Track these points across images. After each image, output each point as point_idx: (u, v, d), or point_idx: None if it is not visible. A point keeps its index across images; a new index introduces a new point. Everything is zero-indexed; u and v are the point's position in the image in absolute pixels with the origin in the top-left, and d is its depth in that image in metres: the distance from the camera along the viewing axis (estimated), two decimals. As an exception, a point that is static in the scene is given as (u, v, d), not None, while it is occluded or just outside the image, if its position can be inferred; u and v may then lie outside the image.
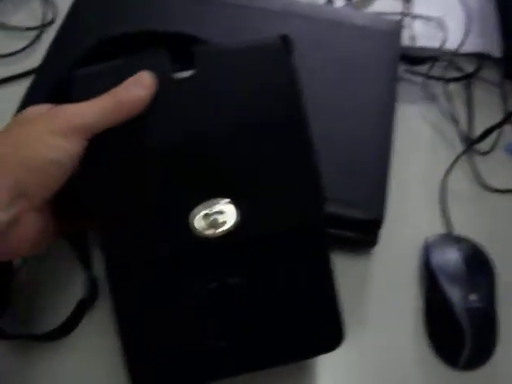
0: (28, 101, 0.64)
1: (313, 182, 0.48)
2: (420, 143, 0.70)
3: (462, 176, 0.67)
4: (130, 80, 0.45)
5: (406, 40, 0.77)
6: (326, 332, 0.49)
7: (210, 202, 0.46)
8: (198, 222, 0.46)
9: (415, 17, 0.80)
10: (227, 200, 0.46)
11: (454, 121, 0.70)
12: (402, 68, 0.73)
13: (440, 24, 0.79)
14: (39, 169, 0.42)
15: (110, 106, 0.44)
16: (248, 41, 0.49)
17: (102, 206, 0.46)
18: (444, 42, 0.76)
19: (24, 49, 0.77)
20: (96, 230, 0.46)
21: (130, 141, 0.46)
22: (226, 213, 0.46)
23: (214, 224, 0.46)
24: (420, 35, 0.78)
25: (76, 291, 0.58)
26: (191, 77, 0.47)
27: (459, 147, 0.69)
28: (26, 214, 0.43)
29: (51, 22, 0.80)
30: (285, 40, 0.49)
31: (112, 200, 0.46)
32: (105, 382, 0.55)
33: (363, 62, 0.68)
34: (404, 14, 0.80)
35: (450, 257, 0.60)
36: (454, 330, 0.56)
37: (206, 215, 0.46)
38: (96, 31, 0.68)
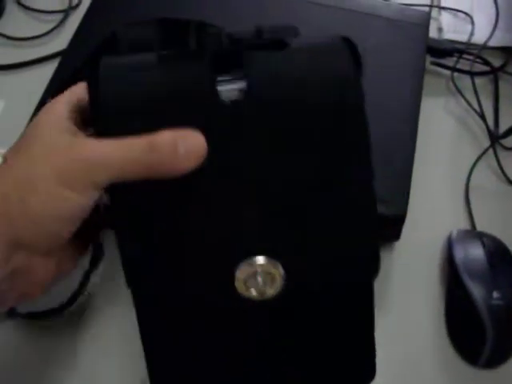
0: (54, 84, 0.64)
1: (370, 241, 0.43)
2: (445, 137, 0.69)
3: (486, 171, 0.67)
4: (179, 140, 0.36)
5: (433, 32, 0.76)
6: (362, 371, 0.47)
7: (256, 259, 0.40)
8: (241, 282, 0.40)
9: (443, 9, 0.79)
10: (276, 261, 0.41)
11: (480, 115, 0.70)
12: (429, 60, 0.72)
13: (468, 17, 0.78)
14: (43, 223, 0.36)
15: (144, 163, 0.36)
16: (305, 46, 0.41)
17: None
18: (471, 35, 0.75)
19: (49, 32, 0.77)
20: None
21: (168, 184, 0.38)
22: (274, 275, 0.41)
23: (259, 286, 0.41)
24: (448, 28, 0.77)
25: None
26: (240, 102, 0.39)
27: (484, 142, 0.68)
28: (31, 260, 0.38)
29: (77, 6, 0.80)
30: (352, 50, 0.42)
31: (150, 242, 0.39)
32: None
33: (390, 53, 0.68)
34: (432, 6, 0.79)
35: (474, 253, 0.59)
36: (475, 327, 0.56)
37: (252, 274, 0.40)
38: (122, 15, 0.69)
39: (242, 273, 0.40)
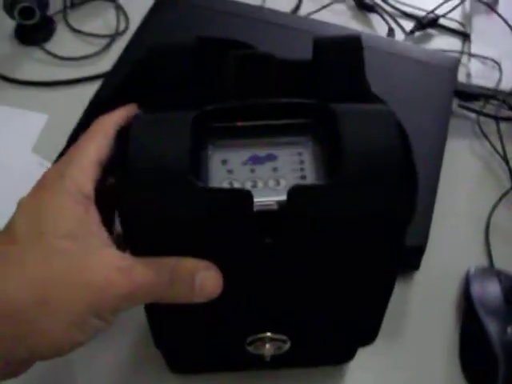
0: (95, 102, 0.67)
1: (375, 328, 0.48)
2: (469, 177, 0.71)
3: (507, 212, 0.68)
4: (197, 274, 0.38)
5: (462, 77, 0.79)
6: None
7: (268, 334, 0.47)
8: (256, 347, 0.47)
9: (473, 56, 0.82)
10: (284, 337, 0.47)
11: (503, 158, 0.72)
12: (457, 103, 0.75)
13: (496, 65, 0.80)
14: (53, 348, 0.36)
15: (164, 296, 0.38)
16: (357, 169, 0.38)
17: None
18: (499, 82, 0.78)
19: (95, 54, 0.81)
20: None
21: None
22: (283, 346, 0.47)
23: (267, 350, 0.47)
24: (476, 74, 0.80)
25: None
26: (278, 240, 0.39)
27: (507, 184, 0.70)
28: None
29: (123, 32, 0.84)
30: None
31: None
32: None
33: (419, 94, 0.70)
34: (463, 53, 0.82)
35: (491, 289, 0.61)
36: (488, 362, 0.57)
37: (262, 340, 0.47)
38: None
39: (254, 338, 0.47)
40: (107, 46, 0.82)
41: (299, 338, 0.47)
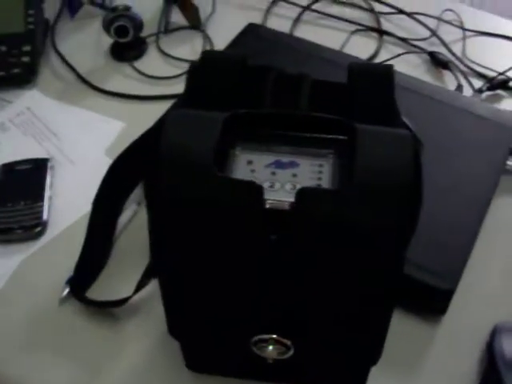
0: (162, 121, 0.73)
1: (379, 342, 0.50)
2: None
3: (547, 273, 0.68)
4: None
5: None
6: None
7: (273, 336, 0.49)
8: (259, 347, 0.50)
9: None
10: (288, 342, 0.49)
11: (553, 222, 0.71)
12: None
13: None
14: None
15: None
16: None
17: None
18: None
19: (177, 76, 0.88)
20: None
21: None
22: (286, 351, 0.50)
23: (270, 353, 0.50)
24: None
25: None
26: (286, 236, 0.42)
27: (552, 246, 0.70)
28: None
29: (206, 59, 0.90)
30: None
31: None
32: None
33: (475, 147, 0.72)
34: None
35: (515, 344, 0.60)
36: (502, 416, 0.56)
37: (266, 342, 0.50)
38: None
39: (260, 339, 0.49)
40: (189, 70, 0.89)
41: (302, 346, 0.49)
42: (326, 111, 0.46)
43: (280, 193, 0.43)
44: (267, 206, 0.41)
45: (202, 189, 0.41)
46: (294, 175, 0.44)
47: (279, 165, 0.44)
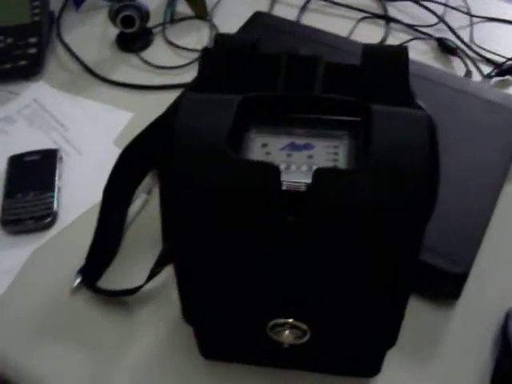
0: (171, 110, 0.73)
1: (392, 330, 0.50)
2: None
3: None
4: None
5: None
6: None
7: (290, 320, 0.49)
8: (276, 332, 0.50)
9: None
10: (305, 327, 0.49)
11: None
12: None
13: None
14: None
15: None
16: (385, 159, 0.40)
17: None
18: None
19: (184, 65, 0.87)
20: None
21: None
22: (302, 336, 0.50)
23: (286, 337, 0.50)
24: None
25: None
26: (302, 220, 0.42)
27: None
28: None
29: (213, 48, 0.90)
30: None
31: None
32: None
33: (485, 132, 0.72)
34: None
35: (530, 328, 0.60)
36: (517, 399, 0.56)
37: (283, 327, 0.49)
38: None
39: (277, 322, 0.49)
40: (196, 60, 0.88)
41: (318, 330, 0.49)
42: (339, 93, 0.46)
43: (296, 174, 0.42)
44: (284, 188, 0.41)
45: (216, 170, 0.41)
46: (310, 157, 0.44)
47: (294, 147, 0.44)
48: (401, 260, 0.43)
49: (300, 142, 0.44)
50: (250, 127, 0.45)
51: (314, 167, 0.41)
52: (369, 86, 0.46)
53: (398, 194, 0.39)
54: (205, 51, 0.49)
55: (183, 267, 0.47)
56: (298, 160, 0.43)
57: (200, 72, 0.49)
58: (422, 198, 0.40)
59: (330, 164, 0.43)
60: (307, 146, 0.44)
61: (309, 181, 0.40)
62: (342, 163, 0.43)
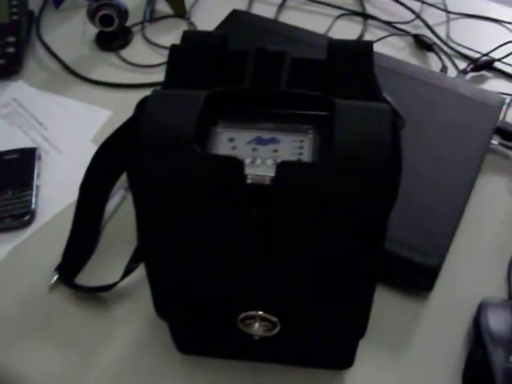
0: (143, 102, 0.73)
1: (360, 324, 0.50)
2: (500, 211, 0.71)
3: (535, 251, 0.68)
4: None
5: (509, 119, 0.80)
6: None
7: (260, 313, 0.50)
8: (246, 324, 0.50)
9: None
10: (275, 319, 0.50)
11: (539, 200, 0.72)
12: (498, 141, 0.76)
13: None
14: None
15: None
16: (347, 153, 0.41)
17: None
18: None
19: (163, 64, 0.88)
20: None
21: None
22: (273, 328, 0.50)
23: (257, 330, 0.51)
24: (525, 118, 0.81)
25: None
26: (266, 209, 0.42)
27: (538, 224, 0.70)
28: None
29: (191, 47, 0.91)
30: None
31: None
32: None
33: (459, 126, 0.73)
34: (513, 96, 0.83)
35: (501, 319, 0.61)
36: (489, 389, 0.57)
37: (253, 319, 0.50)
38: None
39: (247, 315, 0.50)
40: (175, 58, 0.89)
41: (288, 322, 0.49)
42: (306, 88, 0.46)
43: (261, 168, 0.43)
44: (248, 181, 0.41)
45: (182, 165, 0.41)
46: (275, 151, 0.44)
47: (260, 141, 0.45)
48: (364, 252, 0.44)
49: (266, 136, 0.45)
50: (217, 122, 0.46)
51: (279, 161, 0.42)
52: (334, 80, 0.47)
53: (359, 188, 0.40)
54: (173, 48, 0.49)
55: (152, 262, 0.47)
56: (264, 154, 0.44)
57: (168, 69, 0.49)
58: (383, 191, 0.40)
59: (294, 158, 0.44)
60: (273, 140, 0.45)
61: (273, 174, 0.41)
62: (306, 157, 0.44)
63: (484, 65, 0.86)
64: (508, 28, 0.94)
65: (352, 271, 0.45)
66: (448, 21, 0.95)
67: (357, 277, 0.45)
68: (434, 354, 0.61)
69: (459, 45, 0.90)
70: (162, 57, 0.89)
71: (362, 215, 0.41)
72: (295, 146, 0.44)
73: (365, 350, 0.60)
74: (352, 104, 0.43)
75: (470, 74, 0.86)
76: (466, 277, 0.66)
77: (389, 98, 0.47)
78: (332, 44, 0.47)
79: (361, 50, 0.47)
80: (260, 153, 0.44)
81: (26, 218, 0.70)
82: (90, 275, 0.66)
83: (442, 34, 0.92)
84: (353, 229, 0.42)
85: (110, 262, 0.67)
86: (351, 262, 0.44)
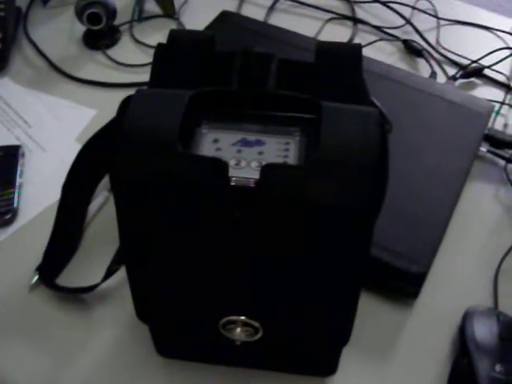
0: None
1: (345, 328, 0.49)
2: (488, 218, 0.71)
3: (521, 260, 0.68)
4: None
5: (499, 126, 0.80)
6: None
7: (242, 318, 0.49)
8: (228, 329, 0.50)
9: (512, 108, 0.83)
10: (257, 324, 0.49)
11: (527, 208, 0.72)
12: (487, 148, 0.76)
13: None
14: None
15: None
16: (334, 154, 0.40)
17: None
18: (534, 135, 0.78)
19: (149, 64, 0.86)
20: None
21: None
22: (255, 334, 0.50)
23: (239, 335, 0.50)
24: (513, 125, 0.81)
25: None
26: (249, 210, 0.41)
27: (526, 232, 0.70)
28: None
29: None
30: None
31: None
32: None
33: (447, 132, 0.72)
34: (503, 103, 0.83)
35: (487, 327, 0.60)
36: (473, 398, 0.57)
37: (235, 324, 0.49)
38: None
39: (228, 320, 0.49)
40: (163, 58, 0.88)
41: (270, 327, 0.49)
42: (293, 90, 0.46)
43: (246, 170, 0.42)
44: (232, 184, 0.41)
45: (164, 165, 0.40)
46: (261, 153, 0.43)
47: (245, 143, 0.44)
48: (349, 257, 0.43)
49: (251, 137, 0.44)
50: (202, 122, 0.45)
51: (264, 163, 0.41)
52: (322, 82, 0.46)
53: (344, 191, 0.39)
54: (159, 46, 0.49)
55: (133, 264, 0.46)
56: (249, 156, 0.43)
57: (153, 68, 0.48)
58: (368, 195, 0.40)
59: (280, 160, 0.43)
60: (258, 142, 0.44)
61: (258, 177, 0.40)
62: (292, 160, 0.43)
63: (473, 72, 0.86)
64: (498, 35, 0.94)
65: (336, 276, 0.44)
66: (438, 27, 0.95)
67: (341, 282, 0.44)
68: (418, 362, 0.60)
69: (449, 51, 0.90)
70: (149, 56, 0.89)
71: (347, 219, 0.40)
72: (281, 149, 0.44)
73: (348, 357, 0.59)
74: (339, 107, 0.42)
75: (460, 81, 0.86)
76: (452, 284, 0.65)
77: (377, 102, 0.46)
78: (320, 46, 0.47)
79: (349, 53, 0.46)
80: (245, 155, 0.43)
81: (8, 216, 0.69)
82: (72, 276, 0.65)
83: (432, 39, 0.92)
84: (338, 233, 0.41)
85: (91, 264, 0.66)
86: (336, 267, 0.43)
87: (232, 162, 0.42)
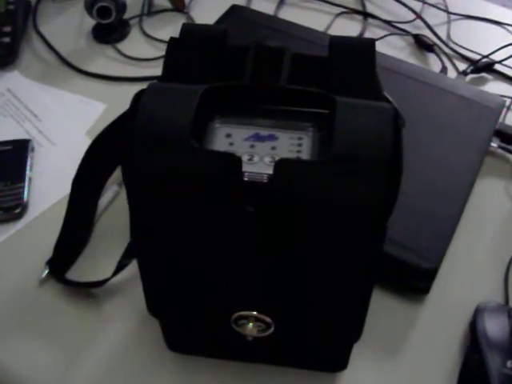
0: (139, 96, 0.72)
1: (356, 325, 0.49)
2: (499, 214, 0.71)
3: (533, 256, 0.68)
4: None
5: (509, 121, 0.79)
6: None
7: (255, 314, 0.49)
8: (240, 325, 0.50)
9: (524, 103, 0.82)
10: (269, 320, 0.49)
11: (538, 204, 0.71)
12: (497, 144, 0.75)
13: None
14: None
15: None
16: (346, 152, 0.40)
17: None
18: (546, 130, 0.78)
19: (160, 58, 0.87)
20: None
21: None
22: (267, 329, 0.49)
23: (250, 330, 0.49)
24: (524, 120, 0.80)
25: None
26: (263, 208, 0.41)
27: (537, 228, 0.70)
28: None
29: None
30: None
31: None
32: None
33: (458, 127, 0.72)
34: (513, 98, 0.82)
35: (498, 324, 0.60)
36: (484, 394, 0.56)
37: (247, 319, 0.49)
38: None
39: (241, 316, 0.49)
40: (172, 52, 0.88)
41: (282, 323, 0.48)
42: (306, 84, 0.45)
43: (259, 165, 0.42)
44: (245, 179, 0.40)
45: (177, 160, 0.40)
46: (273, 148, 0.43)
47: (258, 138, 0.44)
48: (363, 253, 0.43)
49: (264, 132, 0.44)
50: (215, 117, 0.45)
51: (277, 158, 0.41)
52: (335, 77, 0.46)
53: (358, 187, 0.39)
54: (171, 41, 0.48)
55: (145, 259, 0.46)
56: (262, 151, 0.43)
57: (166, 62, 0.48)
58: (383, 191, 0.39)
59: (293, 155, 0.43)
60: (271, 137, 0.44)
61: (271, 172, 0.40)
62: (305, 155, 0.43)
63: (484, 67, 0.85)
64: (509, 30, 0.93)
65: (350, 272, 0.44)
66: (449, 21, 0.94)
67: (354, 279, 0.44)
68: (429, 358, 0.60)
69: (460, 46, 0.89)
70: (159, 50, 0.88)
71: (362, 215, 0.40)
72: (294, 144, 0.43)
73: (359, 353, 0.59)
74: (353, 102, 0.42)
75: (470, 76, 0.85)
76: (463, 280, 0.65)
77: (390, 97, 0.46)
78: (334, 41, 0.46)
79: (363, 48, 0.46)
80: (258, 150, 0.43)
81: (18, 210, 0.69)
82: (82, 270, 0.65)
83: (443, 34, 0.92)
84: (351, 229, 0.41)
85: (102, 258, 0.66)
86: (349, 263, 0.43)
87: (245, 157, 0.42)
